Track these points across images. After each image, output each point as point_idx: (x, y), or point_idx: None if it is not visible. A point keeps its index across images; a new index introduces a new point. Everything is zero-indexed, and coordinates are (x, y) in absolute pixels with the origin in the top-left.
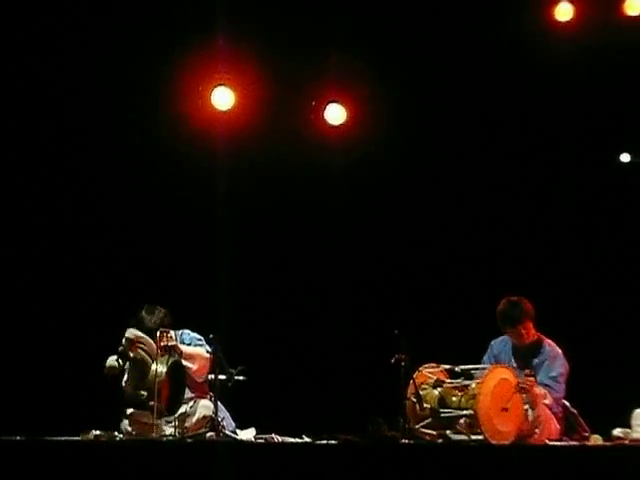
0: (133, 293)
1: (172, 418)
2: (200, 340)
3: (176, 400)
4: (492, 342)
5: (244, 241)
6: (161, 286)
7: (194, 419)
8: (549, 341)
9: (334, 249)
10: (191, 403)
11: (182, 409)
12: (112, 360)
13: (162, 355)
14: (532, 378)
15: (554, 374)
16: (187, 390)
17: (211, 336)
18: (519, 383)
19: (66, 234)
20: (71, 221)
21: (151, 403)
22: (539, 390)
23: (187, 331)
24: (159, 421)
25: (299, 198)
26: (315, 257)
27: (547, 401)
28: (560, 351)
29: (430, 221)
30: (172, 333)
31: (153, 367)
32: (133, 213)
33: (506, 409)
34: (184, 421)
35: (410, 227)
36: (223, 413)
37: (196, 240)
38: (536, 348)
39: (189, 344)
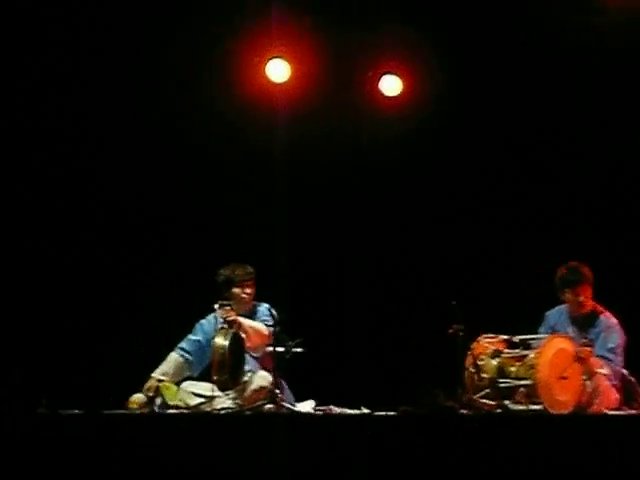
0: (190, 269)
1: (230, 391)
2: (269, 316)
3: (238, 372)
4: (547, 313)
5: (302, 214)
6: (220, 260)
7: (251, 389)
8: (606, 312)
9: (391, 220)
10: (249, 374)
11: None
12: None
13: (222, 328)
14: (589, 348)
15: (611, 345)
16: (248, 361)
17: (267, 306)
18: (577, 352)
19: (119, 205)
20: (128, 202)
21: (214, 377)
22: (596, 361)
23: (266, 305)
24: (220, 394)
25: (356, 170)
26: (372, 228)
27: (605, 371)
28: (617, 322)
29: (485, 190)
30: (231, 306)
31: (215, 340)
32: (190, 187)
33: (565, 378)
34: (242, 391)
35: (466, 197)
36: (282, 385)
37: (254, 214)
38: (592, 318)
39: (259, 317)
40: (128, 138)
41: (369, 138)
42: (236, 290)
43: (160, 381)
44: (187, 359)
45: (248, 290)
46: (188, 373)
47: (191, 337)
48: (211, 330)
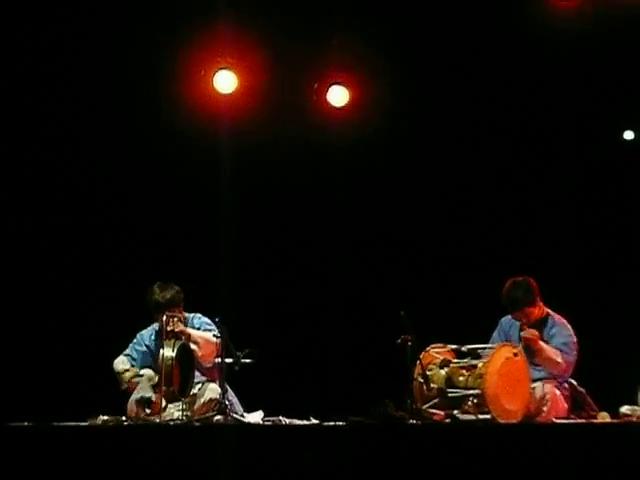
0: (140, 277)
1: (179, 402)
2: (210, 325)
3: (187, 383)
4: (501, 319)
5: (249, 223)
6: (167, 270)
7: (201, 401)
8: (555, 315)
9: (338, 230)
10: (199, 386)
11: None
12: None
13: (169, 339)
14: (536, 331)
15: (565, 340)
16: (197, 373)
17: (217, 319)
18: (523, 336)
19: (71, 220)
20: (76, 207)
21: (163, 388)
22: (550, 349)
23: (198, 315)
24: (167, 405)
25: (302, 180)
26: (319, 238)
27: (559, 359)
28: (566, 321)
29: (434, 202)
30: (180, 316)
31: (161, 352)
32: (137, 197)
33: (513, 388)
34: (192, 404)
35: (414, 208)
36: (231, 396)
37: (201, 223)
38: (545, 322)
39: (198, 328)
40: (73, 145)
41: (317, 148)
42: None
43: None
44: (133, 365)
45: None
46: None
47: (137, 347)
48: (151, 342)
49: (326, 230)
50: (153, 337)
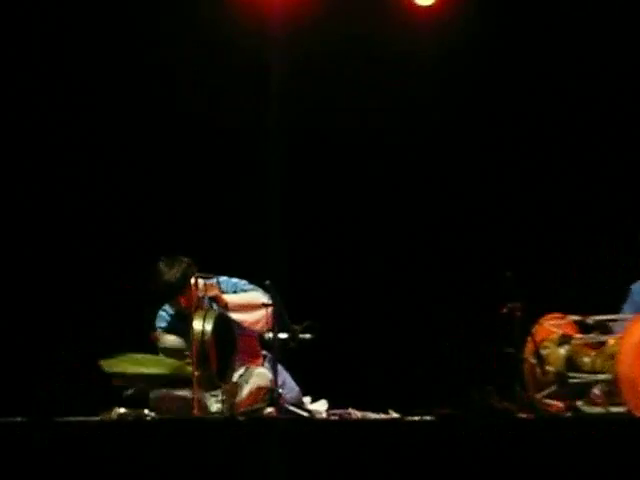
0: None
1: (218, 391)
2: (246, 285)
3: (227, 366)
4: (632, 286)
5: (307, 153)
6: (192, 222)
7: (246, 391)
8: None
9: (423, 168)
10: (241, 370)
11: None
12: None
13: (200, 309)
14: None
15: None
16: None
17: (267, 282)
18: None
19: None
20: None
21: (195, 372)
22: None
23: (224, 278)
24: (204, 395)
25: (376, 101)
26: (399, 172)
27: None
28: None
29: (543, 131)
30: (213, 281)
31: (194, 325)
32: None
33: None
34: (234, 394)
35: (525, 142)
36: (284, 382)
37: (242, 160)
38: None
39: (234, 292)
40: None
41: (397, 55)
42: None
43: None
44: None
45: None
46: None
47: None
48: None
49: (408, 166)
50: (169, 319)
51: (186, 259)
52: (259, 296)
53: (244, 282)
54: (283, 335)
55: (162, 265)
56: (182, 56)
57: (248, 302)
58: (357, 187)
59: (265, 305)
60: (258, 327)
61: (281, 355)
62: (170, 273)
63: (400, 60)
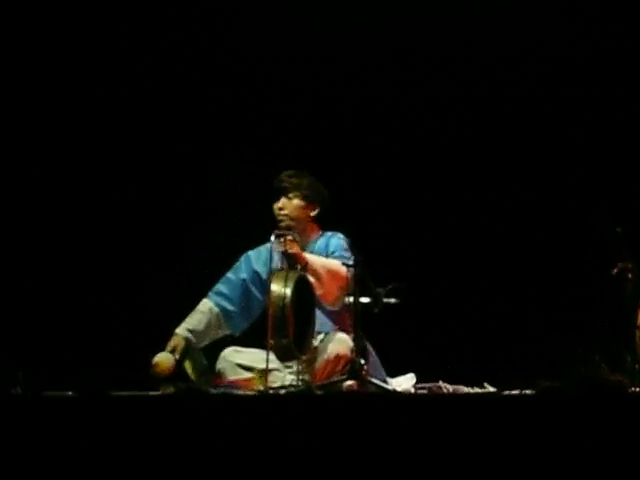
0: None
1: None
2: (348, 252)
3: (305, 334)
4: None
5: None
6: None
7: (325, 359)
8: None
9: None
10: (322, 336)
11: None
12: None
13: (280, 270)
14: None
15: None
16: (319, 319)
17: (348, 240)
18: None
19: None
20: None
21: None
22: None
23: (339, 235)
24: (278, 365)
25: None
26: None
27: None
28: None
29: None
30: (294, 235)
31: (272, 287)
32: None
33: None
34: (312, 363)
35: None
36: (368, 352)
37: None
38: None
39: (333, 252)
40: None
41: None
42: (274, 204)
43: (188, 340)
44: (226, 309)
45: (284, 205)
46: (227, 331)
47: (231, 276)
48: (262, 266)
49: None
50: (262, 258)
51: (312, 178)
52: (339, 265)
53: (346, 247)
54: (365, 299)
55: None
56: None
57: (328, 269)
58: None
59: (346, 265)
60: (332, 298)
61: (363, 322)
62: (283, 174)
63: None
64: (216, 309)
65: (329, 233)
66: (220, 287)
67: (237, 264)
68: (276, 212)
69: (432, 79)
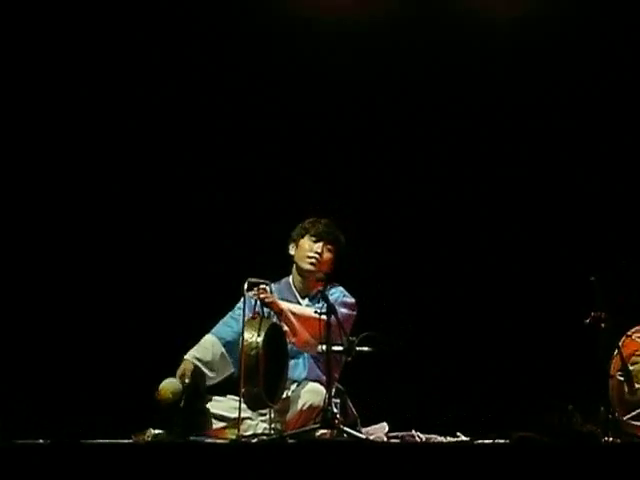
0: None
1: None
2: (350, 307)
3: (277, 382)
4: None
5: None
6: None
7: (297, 408)
8: None
9: (496, 162)
10: (293, 387)
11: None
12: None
13: (253, 318)
14: None
15: None
16: (297, 362)
17: (321, 289)
18: None
19: None
20: None
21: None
22: None
23: (340, 288)
24: (250, 414)
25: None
26: (472, 174)
27: None
28: None
29: None
30: (267, 285)
31: (245, 336)
32: None
33: None
34: (284, 412)
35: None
36: (341, 402)
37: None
38: None
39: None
40: None
41: None
42: (307, 242)
43: (197, 367)
44: (226, 344)
45: (324, 251)
46: (229, 369)
47: (227, 321)
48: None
49: (483, 166)
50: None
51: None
52: (315, 316)
53: (351, 301)
54: (337, 348)
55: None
56: None
57: (305, 318)
58: (423, 194)
59: (319, 314)
60: (304, 345)
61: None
62: (309, 224)
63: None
64: (218, 343)
65: (332, 285)
66: (218, 329)
67: (229, 315)
68: (309, 253)
69: (415, 107)
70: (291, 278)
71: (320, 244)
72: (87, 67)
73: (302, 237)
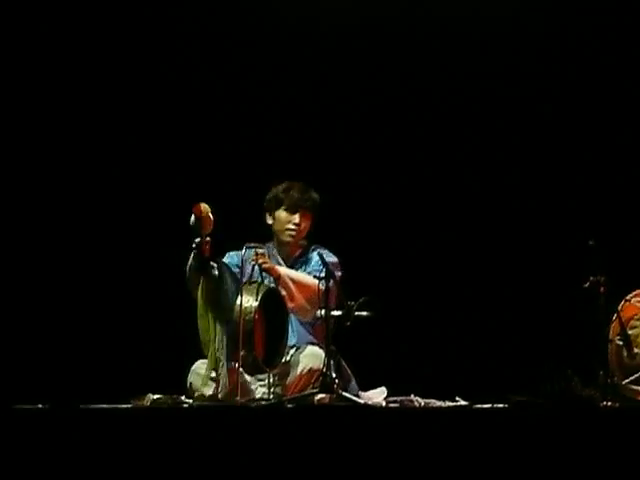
0: None
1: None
2: (336, 267)
3: (276, 347)
4: None
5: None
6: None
7: (297, 373)
8: None
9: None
10: (293, 350)
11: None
12: None
13: (250, 283)
14: None
15: None
16: (293, 329)
17: (319, 250)
18: None
19: None
20: None
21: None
22: None
23: (324, 251)
24: (248, 378)
25: None
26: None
27: None
28: None
29: None
30: (265, 250)
31: (238, 301)
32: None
33: None
34: (283, 376)
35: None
36: (339, 366)
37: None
38: None
39: (311, 265)
40: None
41: None
42: (283, 214)
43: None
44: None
45: (301, 221)
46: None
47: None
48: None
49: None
50: (233, 262)
51: (314, 193)
52: (314, 282)
53: (335, 260)
54: (337, 312)
55: (283, 184)
56: None
57: (298, 281)
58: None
59: (318, 278)
60: (303, 311)
61: (335, 335)
62: (284, 186)
63: None
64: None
65: (311, 247)
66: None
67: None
68: (287, 225)
69: (406, 108)
70: (272, 244)
71: (297, 215)
72: (86, 67)
73: (277, 208)
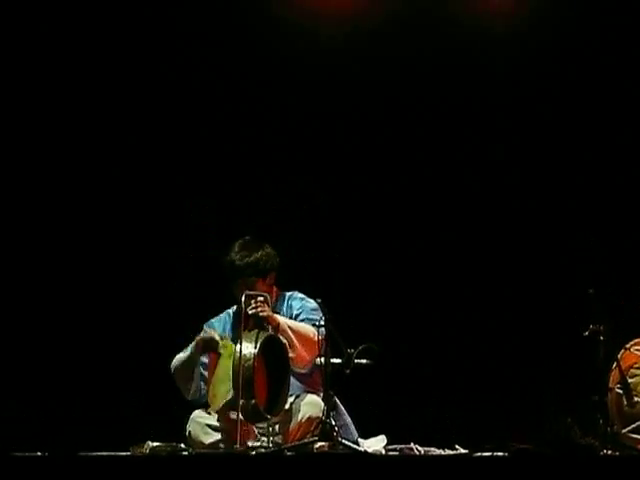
0: None
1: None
2: (316, 311)
3: (276, 395)
4: None
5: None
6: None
7: (297, 421)
8: None
9: (497, 171)
10: (292, 399)
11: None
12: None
13: (249, 330)
14: None
15: None
16: (291, 380)
17: (318, 301)
18: None
19: None
20: None
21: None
22: None
23: (299, 295)
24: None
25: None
26: (473, 184)
27: None
28: None
29: None
30: (266, 295)
31: (238, 348)
32: None
33: None
34: (283, 424)
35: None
36: (339, 414)
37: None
38: None
39: (297, 315)
40: None
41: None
42: (234, 289)
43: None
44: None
45: (253, 287)
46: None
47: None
48: (226, 334)
49: (483, 178)
50: (229, 326)
51: (269, 248)
52: (312, 331)
53: (314, 307)
54: (336, 360)
55: (238, 243)
56: None
57: (300, 332)
58: (420, 207)
59: (316, 326)
60: (304, 362)
61: (334, 383)
62: (240, 254)
63: None
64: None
65: (287, 293)
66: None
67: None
68: (243, 301)
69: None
70: None
71: (243, 287)
72: (86, 67)
73: (230, 283)
